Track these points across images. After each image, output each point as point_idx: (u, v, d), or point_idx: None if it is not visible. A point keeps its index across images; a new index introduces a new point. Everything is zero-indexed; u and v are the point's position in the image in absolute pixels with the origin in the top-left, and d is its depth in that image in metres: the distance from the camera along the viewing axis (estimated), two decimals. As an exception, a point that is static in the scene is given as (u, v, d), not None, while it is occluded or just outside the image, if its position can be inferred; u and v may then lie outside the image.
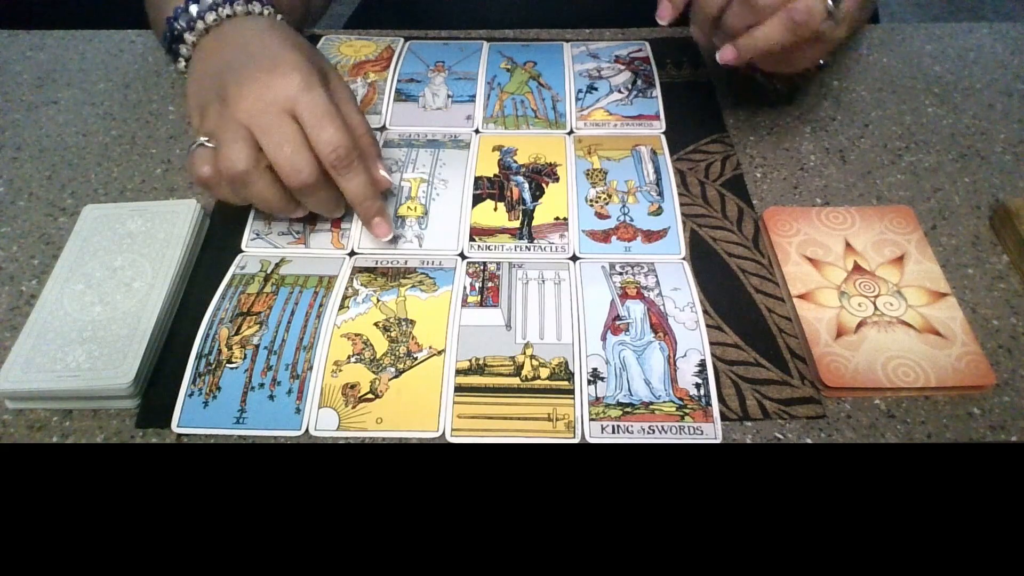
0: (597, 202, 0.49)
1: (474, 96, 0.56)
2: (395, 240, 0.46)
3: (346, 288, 0.43)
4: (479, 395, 0.39)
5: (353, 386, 0.39)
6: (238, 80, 0.41)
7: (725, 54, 0.45)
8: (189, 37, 0.46)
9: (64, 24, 0.65)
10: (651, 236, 0.47)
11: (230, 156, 0.40)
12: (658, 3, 0.47)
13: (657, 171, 0.51)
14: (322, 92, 0.41)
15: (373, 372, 0.39)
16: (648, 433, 0.37)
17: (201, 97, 0.44)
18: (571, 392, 0.39)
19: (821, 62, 0.50)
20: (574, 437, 0.37)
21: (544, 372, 0.39)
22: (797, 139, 0.54)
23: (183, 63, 0.47)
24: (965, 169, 0.51)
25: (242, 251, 0.46)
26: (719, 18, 0.45)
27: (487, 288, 0.43)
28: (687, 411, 0.38)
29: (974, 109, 0.56)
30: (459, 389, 0.39)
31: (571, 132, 0.54)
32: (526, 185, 0.50)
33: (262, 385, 0.39)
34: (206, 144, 0.42)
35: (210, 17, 0.45)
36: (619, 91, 0.57)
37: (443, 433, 0.38)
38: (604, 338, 0.41)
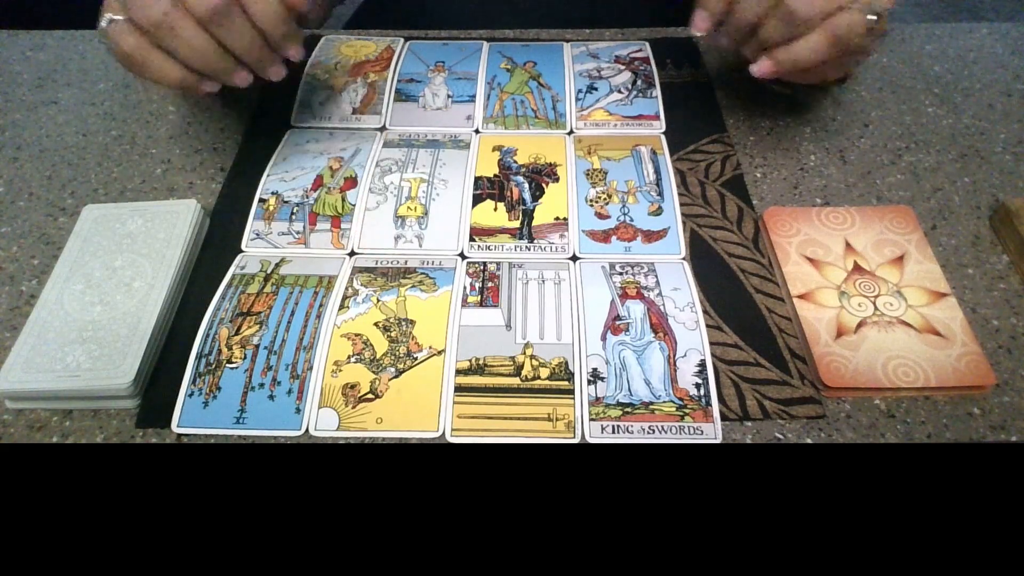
0: (597, 202, 0.49)
1: (474, 96, 0.56)
2: (393, 241, 0.46)
3: (346, 288, 0.43)
4: (479, 395, 0.39)
5: (353, 386, 0.39)
6: None
7: (762, 67, 0.45)
8: None
9: (64, 24, 0.65)
10: (651, 236, 0.47)
11: (145, 2, 0.39)
12: (693, 13, 0.46)
13: (657, 171, 0.51)
14: None
15: (373, 372, 0.39)
16: (648, 433, 0.37)
17: None
18: (571, 392, 0.39)
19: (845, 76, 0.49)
20: (574, 437, 0.37)
21: (544, 372, 0.39)
22: (797, 139, 0.54)
23: None
24: (965, 169, 0.51)
25: (242, 251, 0.46)
26: (755, 29, 0.44)
27: (487, 288, 0.43)
28: (687, 411, 0.38)
29: (974, 109, 0.56)
30: (459, 389, 0.39)
31: (571, 132, 0.54)
32: (526, 185, 0.50)
33: (262, 385, 0.39)
34: (115, 17, 0.41)
35: None
36: (619, 91, 0.57)
37: (443, 433, 0.38)
38: (604, 338, 0.41)
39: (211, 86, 0.44)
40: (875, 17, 0.41)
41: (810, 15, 0.42)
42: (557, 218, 0.48)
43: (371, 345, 0.41)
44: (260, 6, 0.41)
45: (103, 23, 0.41)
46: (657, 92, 0.56)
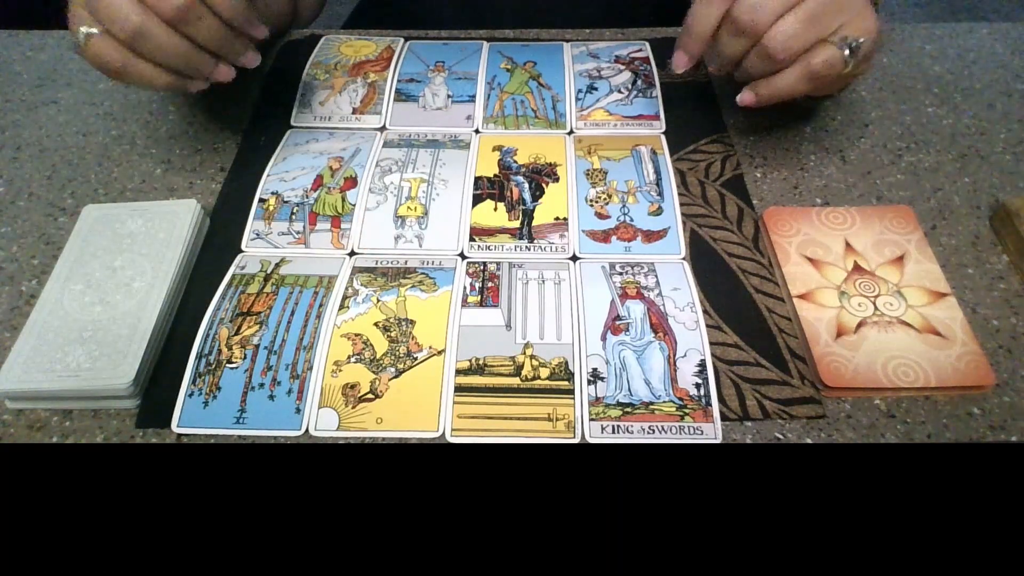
0: (597, 202, 0.49)
1: (474, 96, 0.56)
2: (396, 241, 0.46)
3: (346, 288, 0.43)
4: (479, 395, 0.39)
5: (353, 386, 0.39)
6: None
7: (744, 99, 0.46)
8: None
9: (64, 24, 0.65)
10: (651, 236, 0.47)
11: (119, 14, 0.40)
12: (674, 52, 0.47)
13: (657, 171, 0.51)
14: None
15: (373, 372, 0.39)
16: (648, 433, 0.37)
17: None
18: (571, 392, 0.39)
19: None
20: (574, 437, 0.37)
21: (544, 372, 0.39)
22: (797, 139, 0.54)
23: None
24: (965, 169, 0.51)
25: (242, 251, 0.46)
26: (739, 62, 0.45)
27: (487, 288, 0.43)
28: (687, 411, 0.38)
29: (974, 109, 0.56)
30: (459, 389, 0.39)
31: (571, 132, 0.54)
32: (526, 185, 0.50)
33: (262, 385, 0.39)
34: (91, 31, 0.42)
35: None
36: (619, 91, 0.57)
37: (443, 433, 0.38)
38: (604, 338, 0.41)
39: (198, 85, 0.46)
40: (848, 52, 0.42)
41: (787, 54, 0.42)
42: (557, 218, 0.48)
43: (371, 345, 0.41)
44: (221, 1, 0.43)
45: (79, 38, 0.42)
46: (657, 92, 0.56)
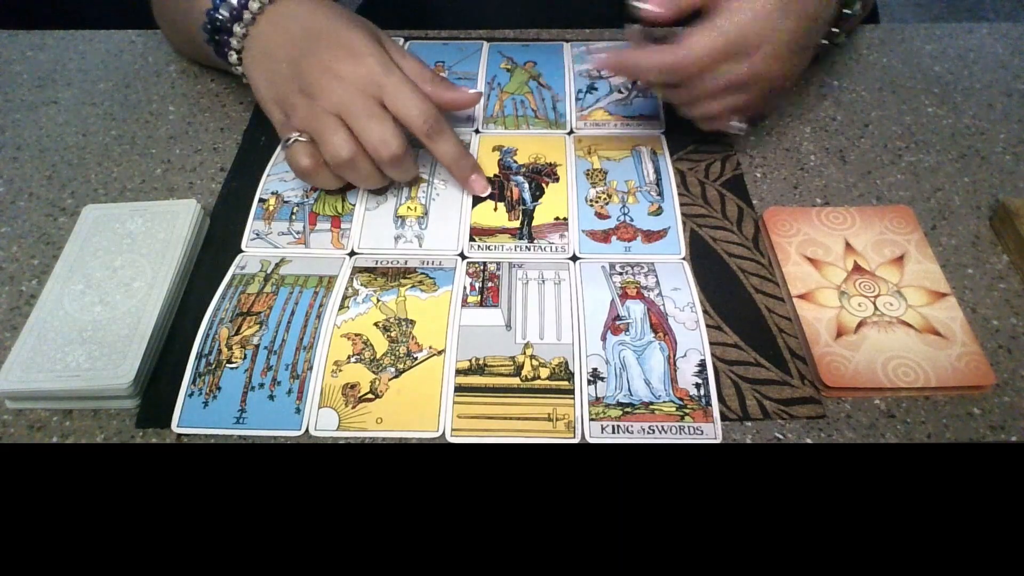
0: (597, 202, 0.49)
1: (474, 96, 0.56)
2: (396, 240, 0.46)
3: (346, 288, 0.43)
4: (479, 395, 0.39)
5: (353, 386, 0.39)
6: (317, 71, 0.43)
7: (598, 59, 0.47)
8: (239, 29, 0.46)
9: (64, 24, 0.65)
10: (651, 236, 0.47)
11: (334, 145, 0.43)
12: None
13: (657, 171, 0.51)
14: (397, 70, 0.44)
15: (373, 372, 0.39)
16: (648, 433, 0.37)
17: (278, 92, 0.45)
18: (571, 392, 0.39)
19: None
20: (574, 437, 0.37)
21: (544, 372, 0.39)
22: (797, 139, 0.54)
23: (234, 55, 0.47)
24: (965, 169, 0.51)
25: (242, 251, 0.46)
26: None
27: (487, 288, 0.43)
28: (687, 411, 0.38)
29: (974, 109, 0.56)
30: (459, 389, 0.39)
31: (571, 132, 0.54)
32: (526, 185, 0.50)
33: (262, 385, 0.39)
34: (300, 139, 0.44)
35: (255, 5, 0.46)
36: (619, 91, 0.57)
37: (443, 433, 0.38)
38: (604, 338, 0.41)
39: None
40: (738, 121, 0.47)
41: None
42: (557, 218, 0.48)
43: (371, 345, 0.41)
44: (445, 148, 0.46)
45: (288, 143, 0.45)
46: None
